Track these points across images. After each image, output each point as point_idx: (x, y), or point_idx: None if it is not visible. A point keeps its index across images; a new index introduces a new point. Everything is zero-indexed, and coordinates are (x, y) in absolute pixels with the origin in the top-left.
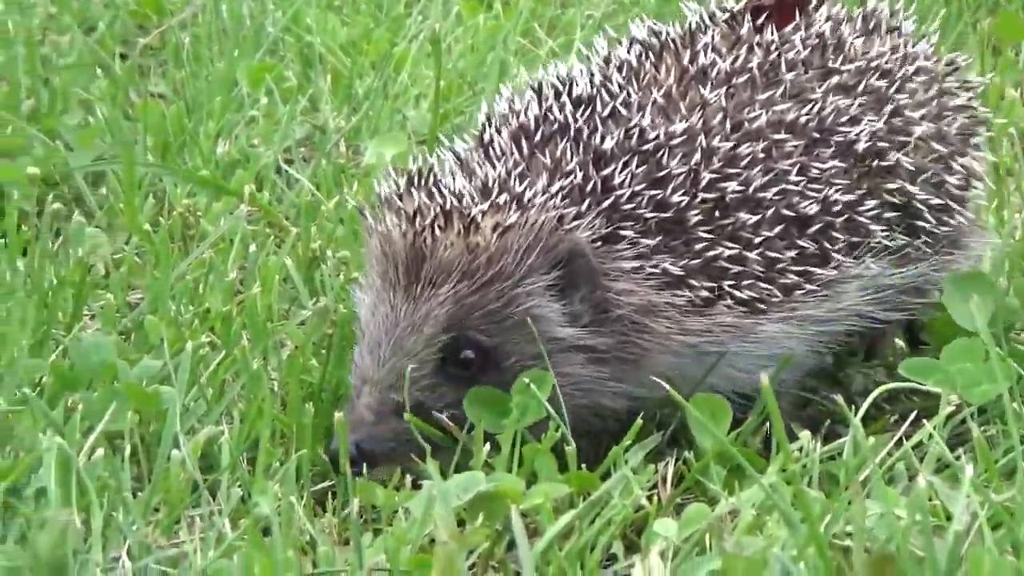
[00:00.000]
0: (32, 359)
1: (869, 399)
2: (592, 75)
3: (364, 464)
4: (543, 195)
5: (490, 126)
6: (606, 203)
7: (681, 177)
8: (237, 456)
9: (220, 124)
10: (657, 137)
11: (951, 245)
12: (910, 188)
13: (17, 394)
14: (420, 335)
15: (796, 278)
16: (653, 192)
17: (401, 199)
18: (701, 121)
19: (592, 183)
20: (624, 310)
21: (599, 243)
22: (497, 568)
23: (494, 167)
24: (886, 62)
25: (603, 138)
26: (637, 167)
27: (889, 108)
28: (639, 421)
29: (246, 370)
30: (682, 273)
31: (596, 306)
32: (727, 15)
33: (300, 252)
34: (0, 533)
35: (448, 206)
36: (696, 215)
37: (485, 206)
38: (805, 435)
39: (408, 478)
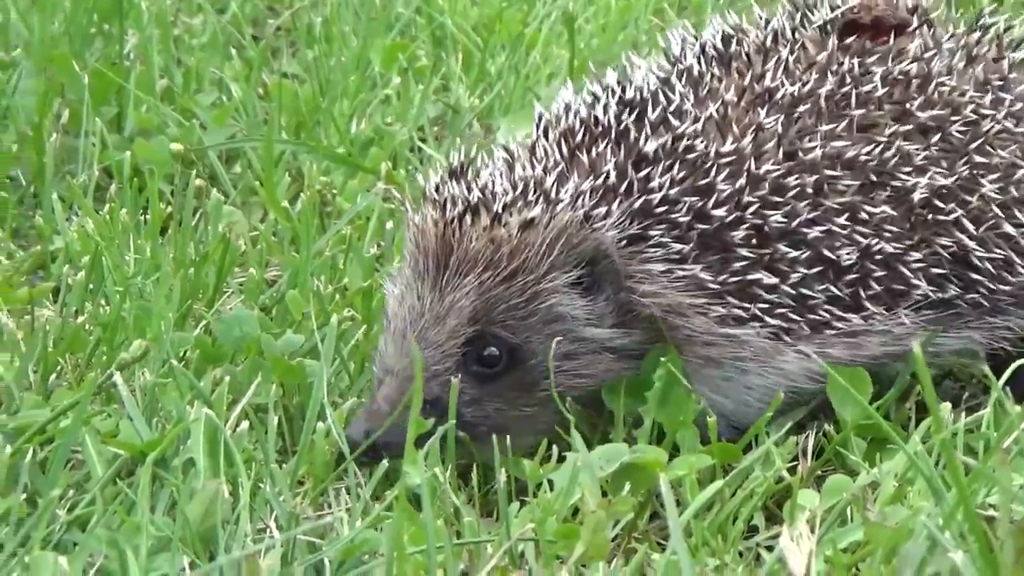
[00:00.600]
0: (177, 333)
1: (1012, 366)
2: (650, 79)
3: (375, 455)
4: (572, 193)
5: (539, 127)
6: (637, 204)
7: (726, 193)
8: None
9: (354, 103)
10: (706, 150)
11: (1015, 304)
12: (968, 243)
13: (164, 367)
14: (444, 326)
15: (826, 316)
16: (694, 199)
17: (438, 191)
18: (752, 144)
19: (627, 183)
20: (652, 310)
21: (626, 243)
22: (640, 539)
23: (534, 167)
24: (973, 111)
25: (646, 140)
26: (679, 172)
27: (962, 163)
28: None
29: None
30: (717, 287)
31: (621, 307)
32: (820, 23)
33: None
34: (149, 504)
35: (476, 199)
36: (738, 235)
37: (510, 200)
38: (946, 407)
39: (555, 449)
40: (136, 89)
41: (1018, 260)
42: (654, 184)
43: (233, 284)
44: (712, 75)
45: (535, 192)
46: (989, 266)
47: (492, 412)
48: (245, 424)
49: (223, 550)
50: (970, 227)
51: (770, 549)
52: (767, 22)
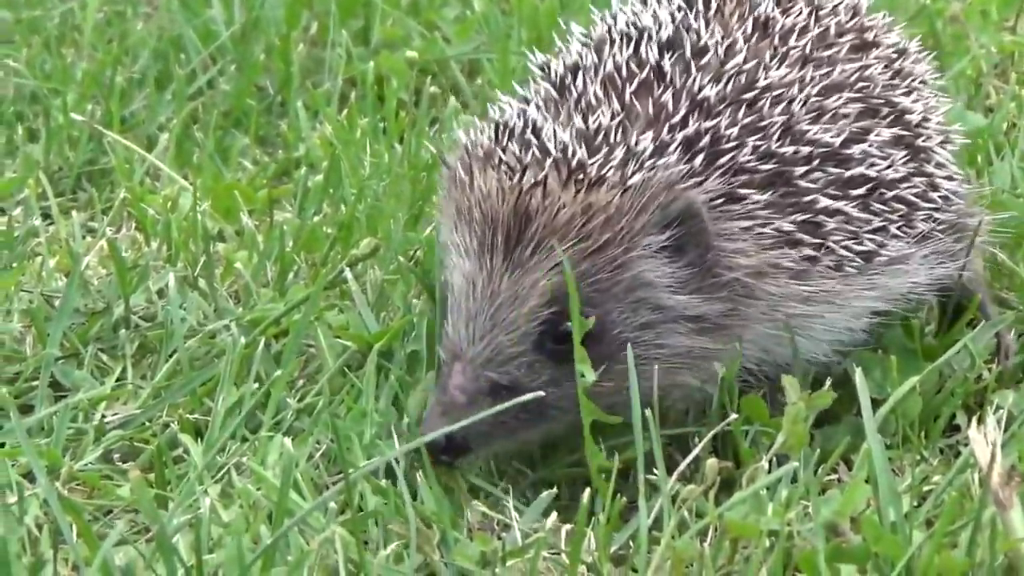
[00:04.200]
0: (408, 232)
1: None
2: (662, 15)
3: (459, 450)
4: (656, 147)
5: (569, 71)
6: (722, 158)
7: (778, 126)
8: None
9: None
10: (757, 83)
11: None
12: (938, 177)
13: (393, 265)
14: (522, 308)
15: (873, 246)
16: (758, 142)
17: (504, 150)
18: (789, 70)
19: (702, 135)
20: (737, 273)
21: (718, 200)
22: None
23: (589, 115)
24: (904, 50)
25: (702, 84)
26: (738, 113)
27: (917, 93)
28: (978, 296)
29: None
30: (792, 228)
31: (708, 270)
32: None
33: None
34: (375, 393)
35: (562, 160)
36: (798, 166)
37: (603, 160)
38: None
39: None
40: (382, 2)
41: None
42: (725, 133)
43: None
44: (712, 11)
45: (619, 149)
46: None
47: (572, 391)
48: None
49: None
50: (938, 155)
51: None
52: None
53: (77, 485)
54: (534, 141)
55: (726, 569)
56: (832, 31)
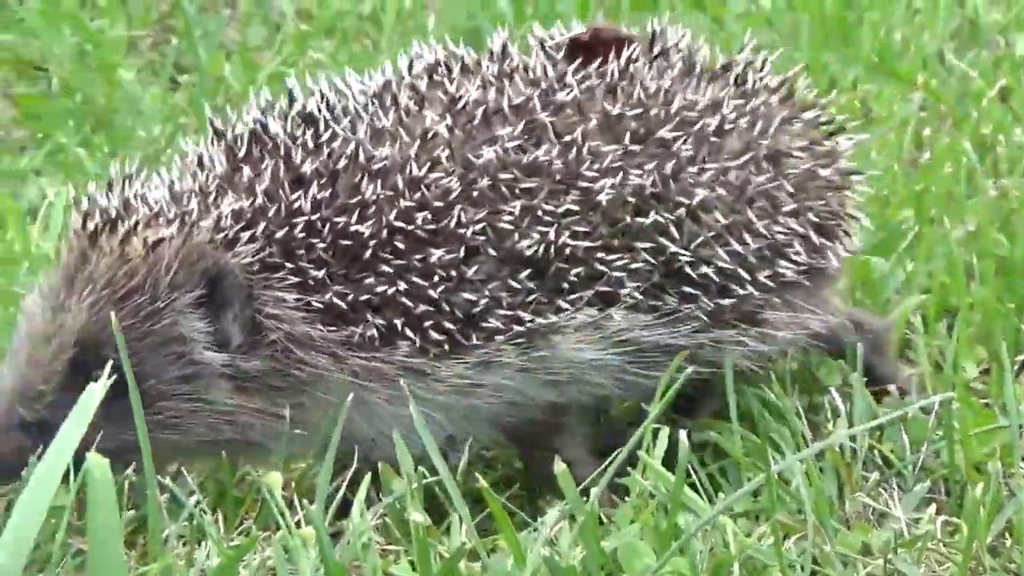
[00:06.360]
0: None
1: None
2: (338, 91)
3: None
4: (216, 213)
5: (212, 133)
6: (282, 230)
7: (373, 205)
8: None
9: (884, 14)
10: (358, 160)
11: (744, 319)
12: (677, 252)
13: None
14: (49, 347)
15: (497, 323)
16: (338, 219)
17: (90, 200)
18: (419, 148)
19: (277, 207)
20: (277, 335)
21: (260, 269)
22: None
23: (195, 178)
24: (688, 110)
25: (304, 160)
26: (326, 191)
27: (671, 165)
28: None
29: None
30: (345, 308)
31: (247, 327)
32: (551, 44)
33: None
34: None
35: (114, 213)
36: (376, 246)
37: (145, 217)
38: None
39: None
40: None
41: (746, 276)
42: (299, 206)
43: None
44: (413, 86)
45: (175, 209)
46: (706, 281)
47: (109, 435)
48: None
49: None
50: (675, 235)
51: None
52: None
53: None
54: (126, 196)
55: None
56: (538, 107)
